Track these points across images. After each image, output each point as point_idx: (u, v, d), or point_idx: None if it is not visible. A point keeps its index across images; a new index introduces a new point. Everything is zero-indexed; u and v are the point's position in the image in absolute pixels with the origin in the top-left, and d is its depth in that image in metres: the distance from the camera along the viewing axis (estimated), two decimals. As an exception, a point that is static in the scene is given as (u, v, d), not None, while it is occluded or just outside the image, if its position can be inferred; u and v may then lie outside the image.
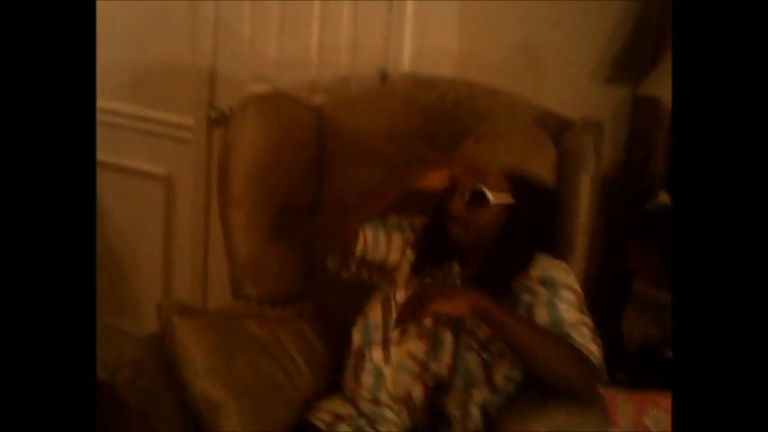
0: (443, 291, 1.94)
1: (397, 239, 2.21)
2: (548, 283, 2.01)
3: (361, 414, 2.12)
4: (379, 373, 2.13)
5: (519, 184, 2.05)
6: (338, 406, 2.13)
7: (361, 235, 2.18)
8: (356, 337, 2.19)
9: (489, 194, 2.03)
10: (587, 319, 1.98)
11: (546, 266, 2.07)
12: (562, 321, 1.94)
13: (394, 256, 2.21)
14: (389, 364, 2.12)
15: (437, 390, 2.08)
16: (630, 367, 2.52)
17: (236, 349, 2.11)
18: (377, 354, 2.13)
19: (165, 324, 2.01)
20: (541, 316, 1.96)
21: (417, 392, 2.09)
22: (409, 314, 1.88)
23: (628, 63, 2.82)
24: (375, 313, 2.18)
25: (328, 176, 2.53)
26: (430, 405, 2.08)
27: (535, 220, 2.10)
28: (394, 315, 2.11)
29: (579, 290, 2.04)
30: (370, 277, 2.25)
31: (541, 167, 2.09)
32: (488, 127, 2.12)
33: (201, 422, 1.98)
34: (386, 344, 2.13)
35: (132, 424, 2.02)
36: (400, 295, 2.15)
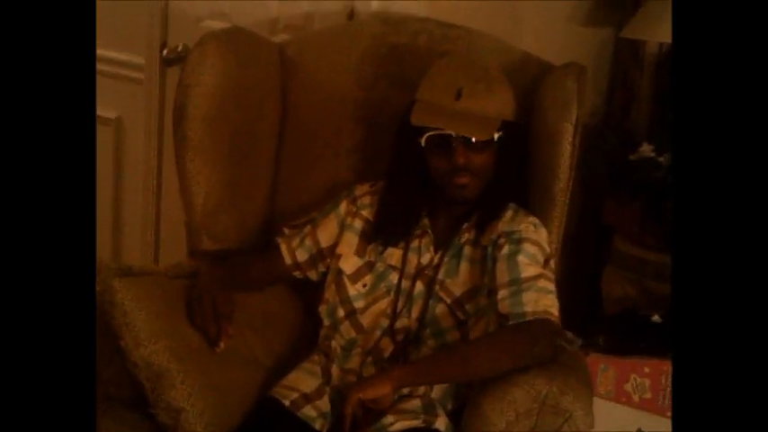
0: (362, 382, 1.98)
1: (328, 223, 2.25)
2: (512, 237, 2.02)
3: (329, 382, 2.10)
4: (351, 344, 2.14)
5: (503, 127, 2.06)
6: (304, 380, 2.08)
7: (283, 247, 2.27)
8: (324, 318, 2.21)
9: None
10: (548, 272, 1.99)
11: (515, 222, 2.07)
12: (519, 278, 1.95)
13: (328, 239, 2.24)
14: (362, 331, 2.14)
15: (407, 343, 2.10)
16: (610, 330, 2.51)
17: (184, 313, 2.02)
18: (346, 328, 2.15)
19: (104, 287, 1.92)
20: (501, 273, 1.97)
21: (385, 344, 2.11)
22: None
23: (610, 3, 2.78)
24: (332, 293, 2.19)
25: (292, 119, 2.47)
26: (400, 357, 2.09)
27: (513, 163, 2.13)
28: (346, 283, 2.16)
29: (544, 244, 2.05)
30: (322, 267, 2.27)
31: (515, 112, 2.12)
32: (459, 77, 2.07)
33: (145, 393, 1.90)
34: (351, 315, 2.15)
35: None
36: (347, 264, 2.18)
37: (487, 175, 2.08)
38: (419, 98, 2.10)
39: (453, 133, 2.01)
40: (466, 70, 2.09)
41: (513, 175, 2.13)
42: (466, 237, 2.10)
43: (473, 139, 2.01)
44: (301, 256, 2.24)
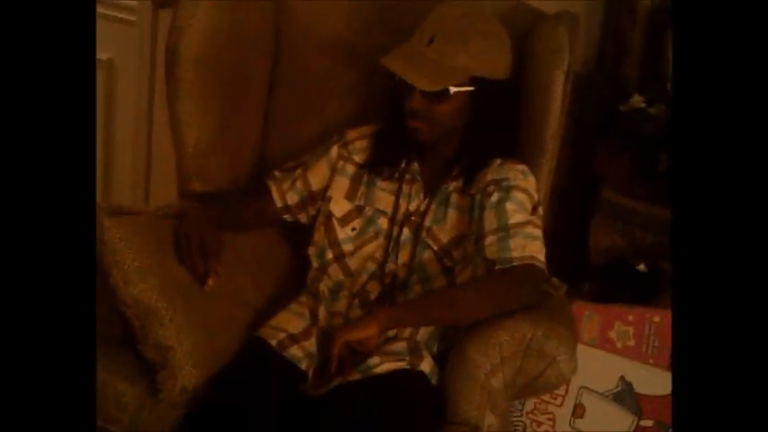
0: (348, 324, 2.02)
1: (319, 166, 2.26)
2: (501, 185, 2.03)
3: (316, 323, 2.11)
4: (339, 287, 2.16)
5: (478, 80, 2.05)
6: (291, 321, 2.10)
7: (274, 189, 2.27)
8: (313, 260, 2.22)
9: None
10: (535, 219, 2.01)
11: (503, 169, 2.07)
12: (507, 225, 1.96)
13: (319, 182, 2.25)
14: (350, 274, 2.16)
15: (394, 287, 2.12)
16: (596, 278, 2.52)
17: (173, 252, 2.02)
18: (334, 271, 2.17)
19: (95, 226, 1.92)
20: (489, 219, 1.98)
21: (372, 287, 2.13)
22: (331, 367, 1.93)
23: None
24: (321, 235, 2.21)
25: (284, 63, 2.47)
26: (387, 301, 2.11)
27: (497, 115, 2.11)
28: (335, 225, 2.18)
29: (533, 192, 2.06)
30: (312, 210, 2.29)
31: (499, 69, 2.09)
32: (440, 24, 2.06)
33: (134, 331, 1.90)
34: (340, 258, 2.17)
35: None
36: (337, 207, 2.20)
37: (448, 125, 2.08)
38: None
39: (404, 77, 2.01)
40: (454, 19, 2.07)
41: (498, 128, 2.12)
42: (453, 185, 2.11)
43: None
44: (291, 198, 2.25)
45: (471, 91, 2.05)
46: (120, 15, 3.14)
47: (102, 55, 3.22)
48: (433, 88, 2.01)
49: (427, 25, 2.07)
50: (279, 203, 2.26)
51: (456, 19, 2.07)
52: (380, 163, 2.19)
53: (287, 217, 2.28)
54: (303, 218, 2.28)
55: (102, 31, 3.13)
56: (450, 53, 2.02)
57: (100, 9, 3.15)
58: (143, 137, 3.21)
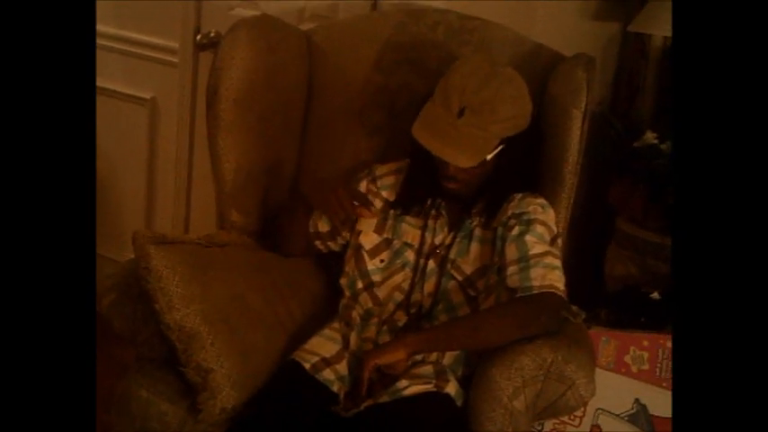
0: (378, 348, 2.00)
1: None
2: (522, 218, 2.02)
3: (348, 347, 2.10)
4: (369, 314, 2.16)
5: (504, 141, 2.04)
6: (324, 345, 2.08)
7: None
8: (345, 289, 2.23)
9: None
10: (554, 250, 2.00)
11: (524, 203, 2.07)
12: (527, 256, 1.95)
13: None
14: (378, 303, 2.16)
15: (420, 316, 2.12)
16: (612, 306, 2.51)
17: (214, 278, 2.02)
18: (364, 299, 2.18)
19: (140, 253, 1.93)
20: (511, 251, 1.98)
21: (400, 315, 2.13)
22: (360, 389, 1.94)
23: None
24: (351, 266, 2.21)
25: (317, 101, 2.48)
26: (413, 328, 2.10)
27: (521, 162, 2.10)
28: (365, 257, 2.18)
29: (552, 224, 2.05)
30: (341, 239, 2.29)
31: (525, 123, 2.07)
32: (467, 92, 1.98)
33: (177, 354, 1.91)
34: (369, 288, 2.17)
35: (118, 348, 1.97)
36: (367, 240, 2.20)
37: (479, 182, 2.08)
38: (432, 100, 2.04)
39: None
40: (480, 83, 1.99)
41: (519, 169, 2.11)
42: (477, 219, 2.12)
43: None
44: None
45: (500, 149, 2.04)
46: (164, 57, 3.15)
47: (146, 94, 3.25)
48: (470, 164, 2.00)
49: (453, 91, 1.99)
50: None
51: (481, 83, 2.00)
52: (409, 199, 2.18)
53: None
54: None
55: (147, 71, 3.21)
56: (482, 124, 1.98)
57: (145, 51, 3.19)
58: (184, 171, 3.24)
